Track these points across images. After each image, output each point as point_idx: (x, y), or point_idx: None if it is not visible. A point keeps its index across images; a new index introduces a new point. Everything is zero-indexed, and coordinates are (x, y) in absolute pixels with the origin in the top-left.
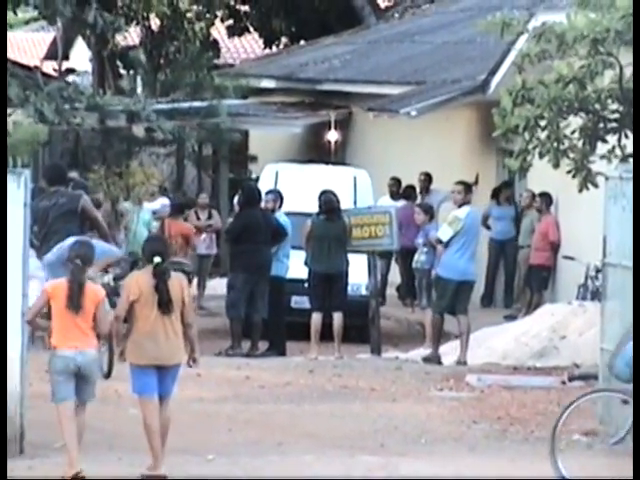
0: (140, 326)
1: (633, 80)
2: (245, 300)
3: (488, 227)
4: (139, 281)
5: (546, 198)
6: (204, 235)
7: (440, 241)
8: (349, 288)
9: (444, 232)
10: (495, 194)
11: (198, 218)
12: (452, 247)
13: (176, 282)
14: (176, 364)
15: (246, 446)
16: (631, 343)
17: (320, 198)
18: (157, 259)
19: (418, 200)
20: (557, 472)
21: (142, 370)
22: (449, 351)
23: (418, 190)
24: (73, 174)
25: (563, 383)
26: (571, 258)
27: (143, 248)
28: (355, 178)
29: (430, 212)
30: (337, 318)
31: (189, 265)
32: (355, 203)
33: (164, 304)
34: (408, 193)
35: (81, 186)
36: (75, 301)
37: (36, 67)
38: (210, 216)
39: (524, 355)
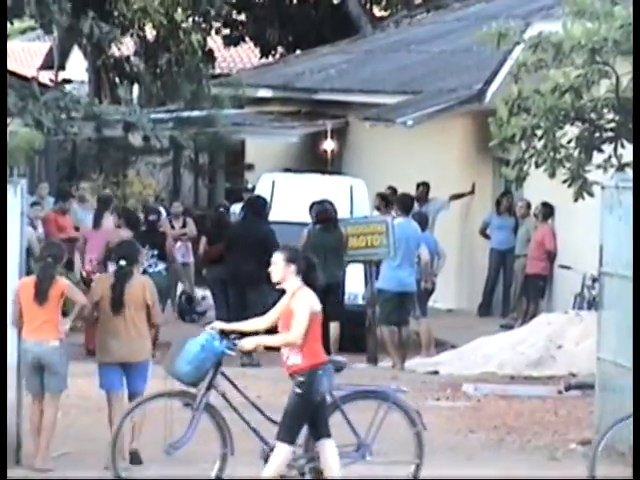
0: (104, 325)
1: (633, 89)
2: (227, 311)
3: (487, 237)
4: (103, 283)
5: (546, 208)
6: (179, 244)
7: None
8: (346, 297)
9: None
10: (498, 204)
11: (172, 227)
12: (389, 259)
13: (138, 285)
14: (141, 361)
15: (242, 455)
16: (188, 344)
17: (312, 208)
18: (122, 262)
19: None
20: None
21: (107, 368)
22: (446, 361)
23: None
24: (83, 185)
25: (560, 392)
26: (567, 267)
27: (115, 251)
28: (352, 187)
29: (424, 222)
30: (333, 328)
31: None
32: (352, 213)
33: (115, 304)
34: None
35: (155, 212)
36: (41, 293)
37: (33, 77)
38: (184, 224)
39: (520, 364)
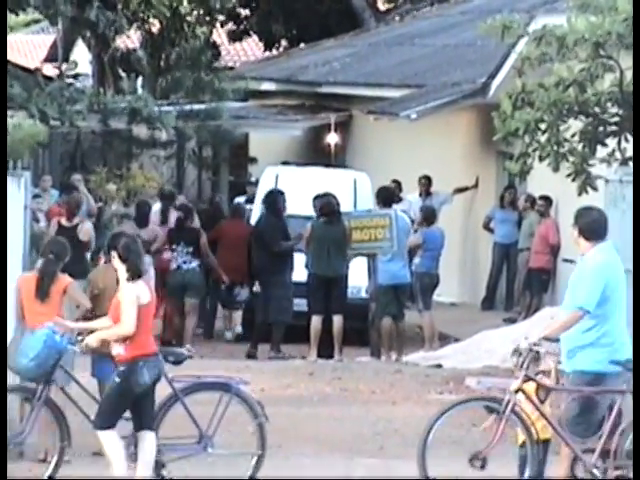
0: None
1: (633, 84)
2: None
3: (490, 230)
4: (103, 276)
5: (545, 201)
6: None
7: None
8: (349, 291)
9: None
10: (501, 197)
11: None
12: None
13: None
14: None
15: (246, 448)
16: (27, 339)
17: (315, 201)
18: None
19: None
20: None
21: (101, 358)
22: (449, 354)
23: (418, 193)
24: (77, 176)
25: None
26: (571, 261)
27: (108, 244)
28: (355, 181)
29: (431, 216)
30: (337, 321)
31: None
32: (355, 206)
33: None
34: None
35: (184, 209)
36: (43, 290)
37: (37, 69)
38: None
39: None
